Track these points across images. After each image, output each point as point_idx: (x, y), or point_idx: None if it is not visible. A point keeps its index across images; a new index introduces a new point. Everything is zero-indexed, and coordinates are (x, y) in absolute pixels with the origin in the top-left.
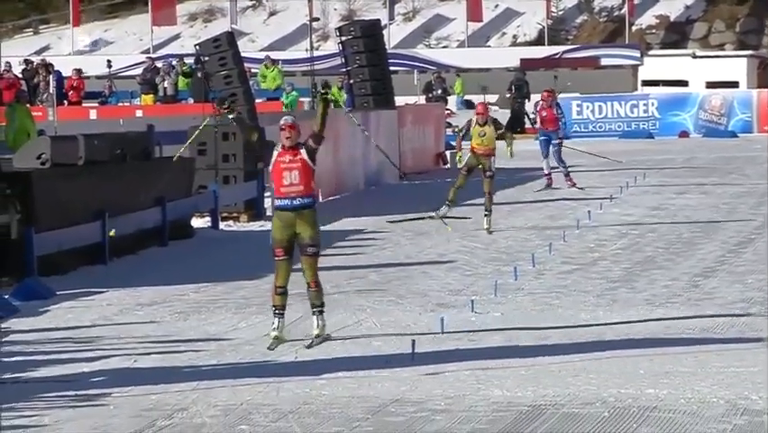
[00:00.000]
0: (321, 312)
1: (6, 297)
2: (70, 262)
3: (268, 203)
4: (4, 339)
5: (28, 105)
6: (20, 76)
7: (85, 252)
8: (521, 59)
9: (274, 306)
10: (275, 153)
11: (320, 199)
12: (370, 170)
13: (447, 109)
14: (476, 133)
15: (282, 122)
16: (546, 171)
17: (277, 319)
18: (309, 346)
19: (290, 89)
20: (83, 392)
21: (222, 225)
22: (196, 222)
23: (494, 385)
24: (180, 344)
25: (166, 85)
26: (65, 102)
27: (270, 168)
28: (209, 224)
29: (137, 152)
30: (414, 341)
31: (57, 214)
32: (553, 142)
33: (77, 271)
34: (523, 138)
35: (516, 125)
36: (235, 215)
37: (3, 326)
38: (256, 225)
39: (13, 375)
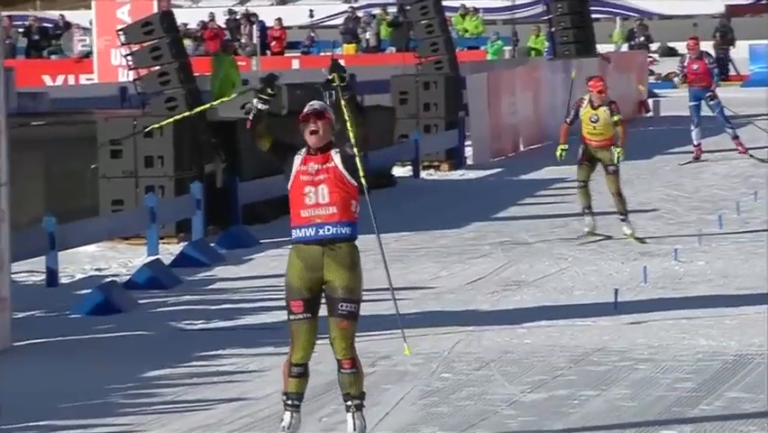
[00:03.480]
0: (359, 408)
1: (212, 245)
2: (273, 211)
3: (469, 152)
4: (210, 287)
5: (233, 56)
6: (223, 26)
7: (287, 201)
8: (726, 6)
9: (286, 393)
10: (297, 160)
11: (521, 148)
12: None
13: (650, 56)
14: (586, 118)
15: (307, 108)
16: (696, 142)
17: (289, 415)
18: None
19: (495, 38)
20: (287, 339)
21: (423, 174)
22: (398, 171)
23: (699, 335)
24: (382, 292)
25: (368, 35)
26: (267, 52)
27: (290, 182)
28: (410, 173)
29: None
30: (616, 290)
31: (260, 163)
32: (707, 100)
33: (279, 219)
34: (728, 85)
35: (720, 73)
36: (436, 163)
37: (209, 273)
38: (457, 175)
39: (219, 323)
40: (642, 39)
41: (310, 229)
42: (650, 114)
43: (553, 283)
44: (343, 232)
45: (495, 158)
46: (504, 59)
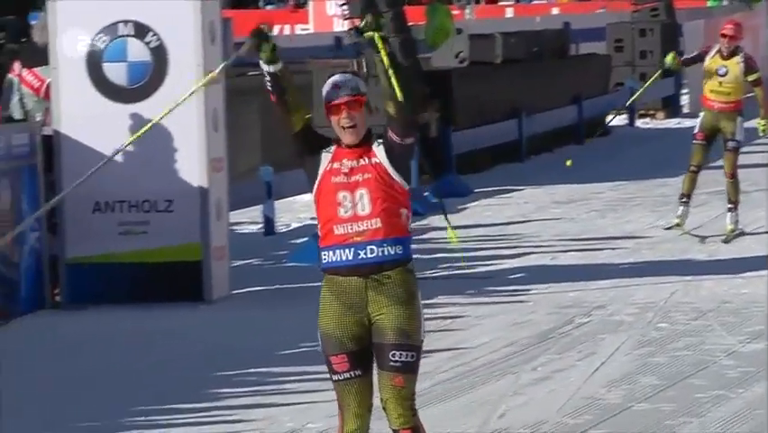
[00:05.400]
0: None
1: (426, 194)
2: (487, 160)
3: (685, 100)
4: (424, 236)
5: (447, 6)
6: None
7: (501, 150)
8: None
9: None
10: (324, 158)
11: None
12: None
13: None
14: (712, 69)
15: (330, 92)
16: None
17: None
18: None
19: None
20: (503, 288)
21: (638, 123)
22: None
23: None
24: (598, 241)
25: None
26: (481, 1)
27: (316, 186)
28: (626, 121)
29: (553, 50)
30: None
31: (474, 112)
32: None
33: (493, 168)
34: None
35: None
36: (652, 112)
37: (423, 223)
38: (673, 123)
39: (434, 272)
40: None
41: (347, 251)
42: None
43: None
44: (393, 253)
45: None
46: (722, 6)
